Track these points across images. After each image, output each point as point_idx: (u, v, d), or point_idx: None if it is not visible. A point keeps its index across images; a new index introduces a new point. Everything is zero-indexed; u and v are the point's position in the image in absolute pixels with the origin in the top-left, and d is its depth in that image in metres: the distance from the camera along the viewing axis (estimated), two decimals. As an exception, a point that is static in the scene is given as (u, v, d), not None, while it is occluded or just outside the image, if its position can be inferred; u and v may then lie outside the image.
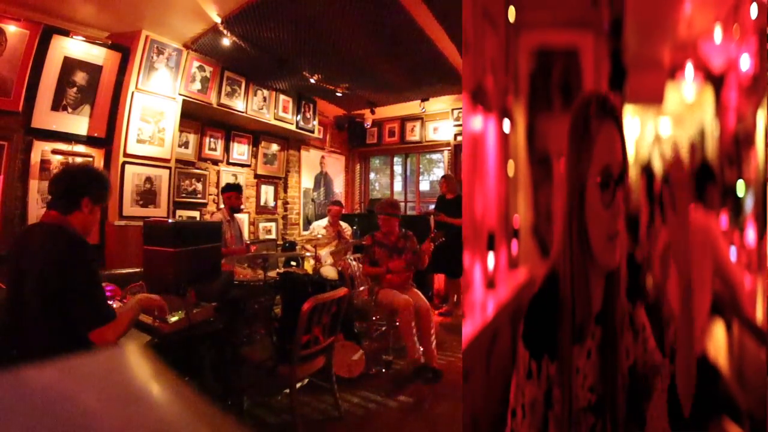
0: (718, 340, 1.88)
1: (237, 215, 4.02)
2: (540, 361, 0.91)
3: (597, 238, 0.89)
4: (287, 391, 2.25)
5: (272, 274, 3.23)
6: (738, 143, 3.22)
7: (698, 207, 1.86)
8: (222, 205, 4.58)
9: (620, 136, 0.90)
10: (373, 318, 3.58)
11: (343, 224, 4.76)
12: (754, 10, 2.72)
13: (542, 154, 2.82)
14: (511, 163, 2.84)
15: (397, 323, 3.26)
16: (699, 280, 1.56)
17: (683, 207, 0.86)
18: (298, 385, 2.40)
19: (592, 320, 0.92)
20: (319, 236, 4.51)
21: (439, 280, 5.20)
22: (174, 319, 1.92)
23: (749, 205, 2.52)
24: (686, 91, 3.37)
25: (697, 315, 1.06)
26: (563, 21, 2.75)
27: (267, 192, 5.55)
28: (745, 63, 3.13)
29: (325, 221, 4.75)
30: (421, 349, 3.07)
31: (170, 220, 3.71)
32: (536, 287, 0.98)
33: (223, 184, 4.88)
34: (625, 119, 0.98)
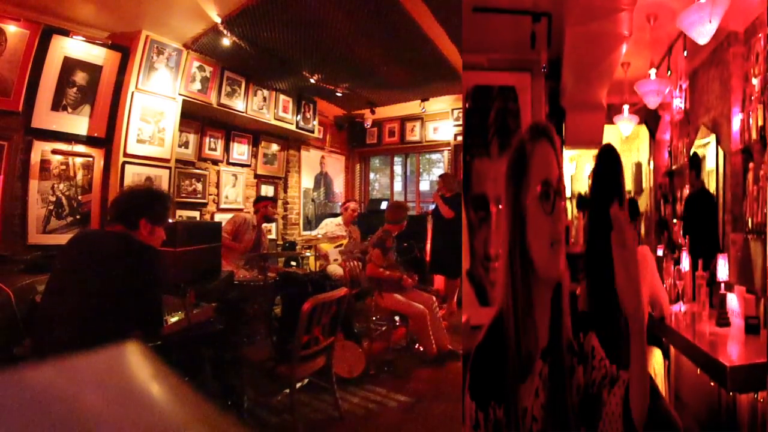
0: (655, 362, 1.97)
1: (265, 228, 4.23)
2: (487, 409, 0.90)
3: (539, 248, 0.91)
4: (287, 391, 2.25)
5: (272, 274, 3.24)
6: (672, 179, 3.31)
7: (636, 239, 1.94)
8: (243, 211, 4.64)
9: (555, 153, 0.93)
10: (373, 318, 3.58)
11: (353, 226, 4.75)
12: (685, 53, 2.83)
13: (479, 197, 2.76)
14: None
15: (411, 326, 3.49)
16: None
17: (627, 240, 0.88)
18: (298, 385, 2.40)
19: (538, 356, 0.92)
20: (335, 234, 4.52)
21: (439, 280, 5.19)
22: (174, 319, 1.92)
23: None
24: (623, 130, 3.45)
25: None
26: (500, 62, 2.73)
27: (267, 192, 5.55)
28: (678, 102, 3.25)
29: (338, 219, 4.73)
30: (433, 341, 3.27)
31: (170, 220, 3.71)
32: (480, 336, 0.97)
33: (223, 184, 4.90)
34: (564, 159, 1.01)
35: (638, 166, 3.72)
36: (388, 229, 3.52)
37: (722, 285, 1.94)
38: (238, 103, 4.54)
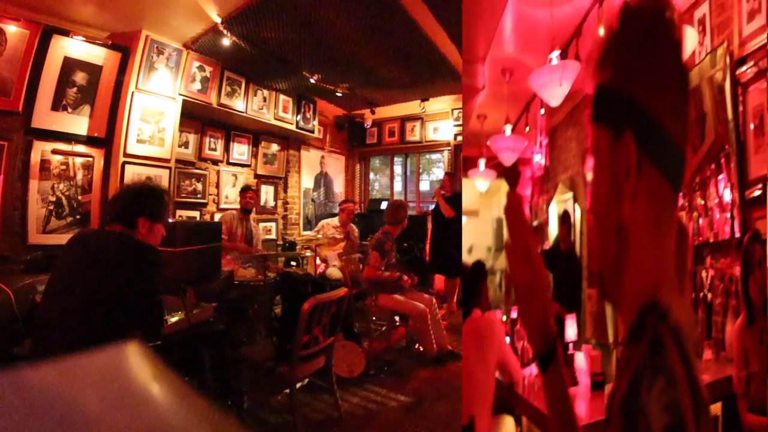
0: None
1: (255, 222, 4.30)
2: None
3: None
4: (287, 391, 2.25)
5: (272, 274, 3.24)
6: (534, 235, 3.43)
7: (486, 304, 1.97)
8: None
9: None
10: (373, 318, 3.58)
11: (351, 225, 4.73)
12: (542, 111, 2.87)
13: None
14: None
15: (411, 325, 3.51)
16: (483, 374, 1.71)
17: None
18: (298, 385, 2.40)
19: None
20: (333, 236, 4.51)
21: (439, 280, 5.19)
22: (174, 319, 1.92)
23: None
24: (480, 186, 3.52)
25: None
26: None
27: (267, 192, 5.55)
28: (538, 158, 3.33)
29: (335, 220, 4.70)
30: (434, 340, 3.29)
31: (170, 220, 3.71)
32: None
33: (223, 184, 4.91)
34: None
35: (499, 221, 3.69)
36: (388, 230, 3.50)
37: (571, 344, 1.99)
38: (238, 103, 4.53)
